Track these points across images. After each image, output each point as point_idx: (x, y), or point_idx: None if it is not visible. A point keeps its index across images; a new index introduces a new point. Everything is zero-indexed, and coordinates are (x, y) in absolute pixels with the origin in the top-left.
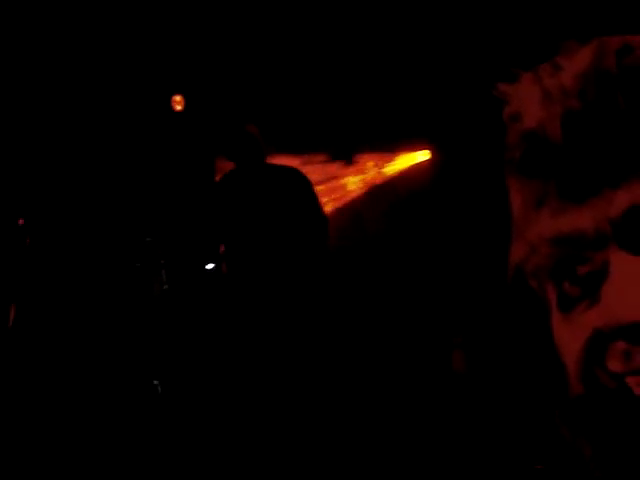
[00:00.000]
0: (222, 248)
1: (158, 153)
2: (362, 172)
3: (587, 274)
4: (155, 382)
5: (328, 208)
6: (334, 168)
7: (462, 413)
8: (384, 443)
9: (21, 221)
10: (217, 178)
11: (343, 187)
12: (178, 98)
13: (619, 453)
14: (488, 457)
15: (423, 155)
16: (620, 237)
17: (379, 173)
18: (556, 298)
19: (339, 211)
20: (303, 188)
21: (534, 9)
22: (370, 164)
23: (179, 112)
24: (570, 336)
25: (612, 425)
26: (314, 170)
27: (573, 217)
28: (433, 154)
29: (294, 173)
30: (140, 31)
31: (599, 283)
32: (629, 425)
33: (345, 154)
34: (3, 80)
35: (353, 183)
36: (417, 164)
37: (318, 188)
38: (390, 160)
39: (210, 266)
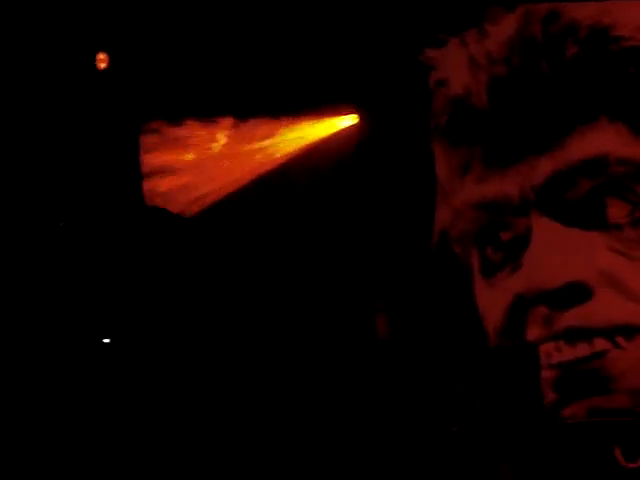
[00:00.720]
0: None
1: (80, 115)
2: (285, 136)
3: (510, 240)
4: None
5: (242, 179)
6: (250, 132)
7: (385, 376)
8: (308, 408)
9: None
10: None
11: (264, 154)
12: (102, 56)
13: (509, 405)
14: (409, 420)
15: (350, 119)
16: (542, 203)
17: (302, 138)
18: (479, 263)
19: (260, 176)
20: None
21: None
22: (292, 128)
23: (103, 71)
24: (492, 301)
25: (508, 382)
26: (229, 134)
27: (497, 183)
28: (359, 119)
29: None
30: None
31: (521, 249)
32: (524, 384)
33: (265, 117)
34: None
35: (275, 148)
36: (343, 129)
37: (225, 156)
38: (314, 124)
39: (106, 340)
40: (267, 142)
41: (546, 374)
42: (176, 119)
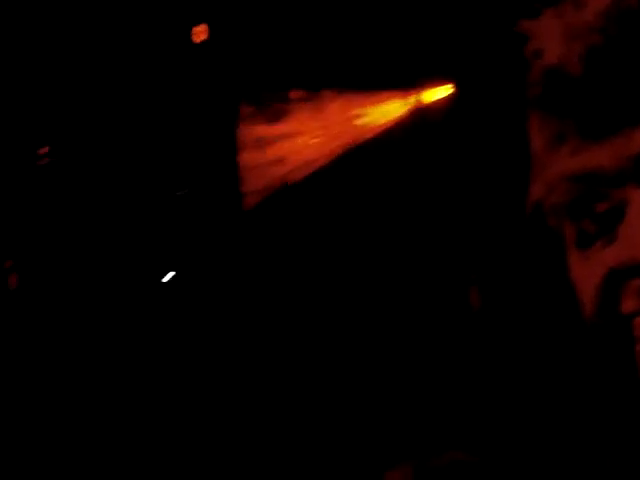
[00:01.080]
0: None
1: (176, 92)
2: (380, 107)
3: (605, 212)
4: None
5: (337, 151)
6: (347, 106)
7: (478, 349)
8: (403, 383)
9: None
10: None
11: (357, 126)
12: (200, 28)
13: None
14: (504, 393)
15: (445, 90)
16: (639, 175)
17: (397, 110)
18: (574, 235)
19: (354, 149)
20: None
21: None
22: (391, 99)
23: (201, 44)
24: (587, 273)
25: (602, 356)
26: (323, 108)
27: (593, 154)
28: (455, 90)
29: None
30: None
31: (616, 221)
32: (618, 358)
33: (361, 88)
34: None
35: (370, 120)
36: (437, 100)
37: (321, 128)
38: (409, 96)
39: (169, 276)
40: (361, 115)
41: None
42: (273, 91)
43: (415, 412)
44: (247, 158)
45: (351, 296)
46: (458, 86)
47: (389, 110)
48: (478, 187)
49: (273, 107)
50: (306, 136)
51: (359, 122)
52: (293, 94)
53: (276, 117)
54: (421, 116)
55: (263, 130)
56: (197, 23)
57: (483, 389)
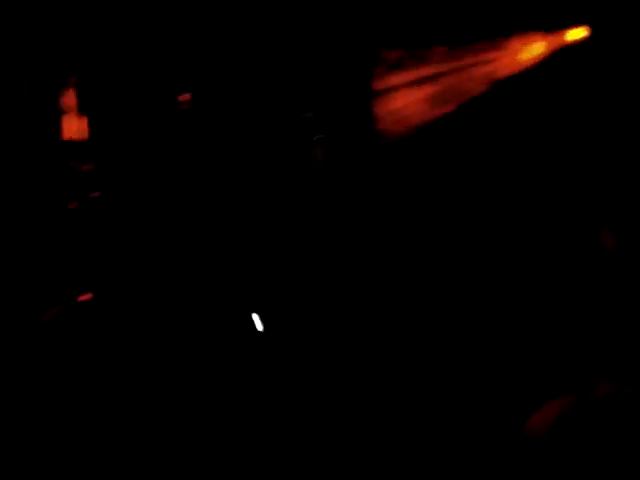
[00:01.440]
0: None
1: (313, 41)
2: (505, 56)
3: None
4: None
5: (467, 96)
6: (478, 50)
7: (612, 293)
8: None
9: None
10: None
11: (491, 71)
12: None
13: None
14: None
15: (577, 33)
16: None
17: (531, 53)
18: None
19: (488, 93)
20: None
21: None
22: (517, 45)
23: None
24: None
25: None
26: (439, 58)
27: None
28: (589, 33)
29: None
30: None
31: None
32: None
33: (486, 38)
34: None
35: (504, 64)
36: (571, 43)
37: (437, 85)
38: (542, 39)
39: (258, 324)
40: (496, 59)
41: None
42: (403, 44)
43: (574, 348)
44: (378, 105)
45: (479, 229)
46: (592, 29)
47: (520, 56)
48: (611, 129)
49: (401, 58)
50: (429, 86)
51: (488, 68)
52: (411, 49)
53: (404, 66)
54: (552, 60)
55: (393, 80)
56: None
57: (627, 325)
